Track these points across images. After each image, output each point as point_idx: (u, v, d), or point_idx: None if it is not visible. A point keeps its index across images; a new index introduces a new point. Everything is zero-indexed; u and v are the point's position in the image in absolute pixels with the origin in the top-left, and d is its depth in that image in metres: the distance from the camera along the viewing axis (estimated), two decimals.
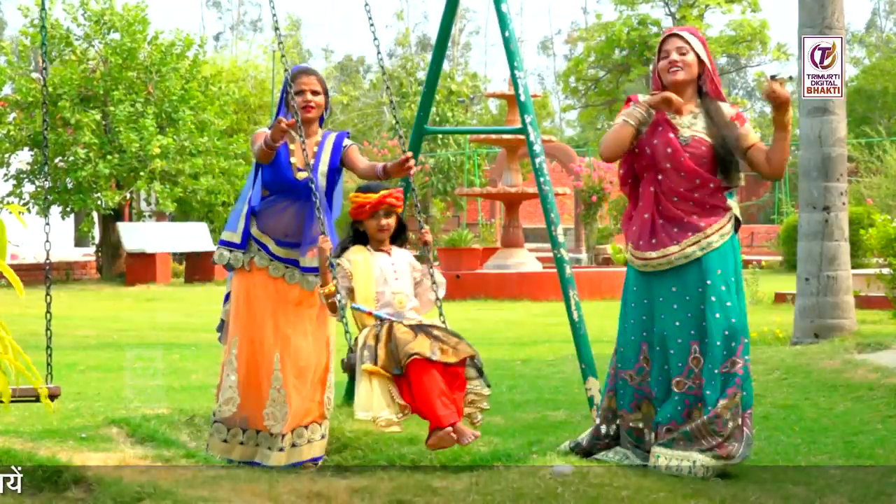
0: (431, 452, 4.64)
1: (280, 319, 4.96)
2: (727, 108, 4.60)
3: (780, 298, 13.68)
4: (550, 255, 5.88)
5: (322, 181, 4.99)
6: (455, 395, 4.42)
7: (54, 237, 5.37)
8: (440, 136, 28.50)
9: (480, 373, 4.54)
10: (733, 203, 4.65)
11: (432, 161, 27.46)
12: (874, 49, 53.79)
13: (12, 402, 4.46)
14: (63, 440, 5.13)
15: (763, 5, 38.39)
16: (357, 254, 4.76)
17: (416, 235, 5.11)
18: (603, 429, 4.70)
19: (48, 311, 5.15)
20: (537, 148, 5.64)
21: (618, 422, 4.67)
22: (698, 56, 4.55)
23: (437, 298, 4.84)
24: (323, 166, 5.03)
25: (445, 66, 24.99)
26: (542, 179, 5.63)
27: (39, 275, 6.19)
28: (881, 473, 4.38)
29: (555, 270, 5.71)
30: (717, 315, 4.43)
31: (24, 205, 19.90)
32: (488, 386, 4.56)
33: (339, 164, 5.06)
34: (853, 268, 9.55)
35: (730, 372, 4.40)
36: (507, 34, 5.81)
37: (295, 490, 4.08)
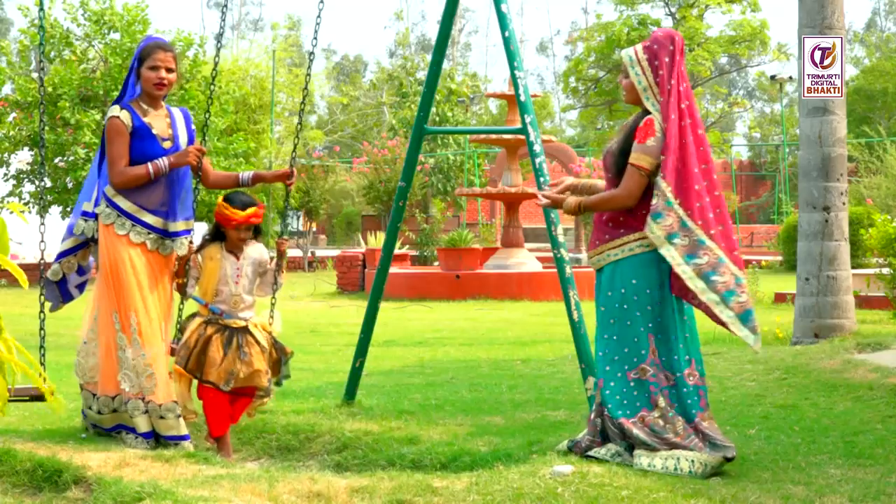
0: (431, 452, 4.87)
1: (160, 291, 5.25)
2: (641, 122, 4.62)
3: (780, 298, 13.68)
4: (550, 255, 5.88)
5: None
6: (236, 411, 5.33)
7: (54, 237, 5.41)
8: (440, 136, 28.49)
9: (284, 378, 5.48)
10: (652, 225, 4.53)
11: (432, 161, 27.45)
12: (874, 49, 53.80)
13: (11, 401, 4.46)
14: (63, 440, 5.13)
15: (763, 5, 38.43)
16: (211, 252, 5.31)
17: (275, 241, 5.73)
18: (599, 422, 4.71)
19: (41, 311, 5.24)
20: (537, 148, 5.64)
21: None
22: (635, 81, 4.63)
23: (273, 296, 5.47)
24: (183, 137, 5.34)
25: (445, 66, 25.00)
26: (542, 179, 5.63)
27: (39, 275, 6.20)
28: (881, 473, 4.37)
29: (555, 270, 5.71)
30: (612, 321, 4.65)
31: (25, 204, 19.90)
32: (278, 384, 5.50)
33: (193, 136, 5.39)
34: (853, 268, 9.56)
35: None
36: (506, 34, 5.81)
37: (295, 490, 4.08)
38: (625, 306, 4.61)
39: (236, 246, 5.34)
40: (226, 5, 5.94)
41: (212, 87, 5.93)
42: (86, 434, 5.31)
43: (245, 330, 5.27)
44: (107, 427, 5.23)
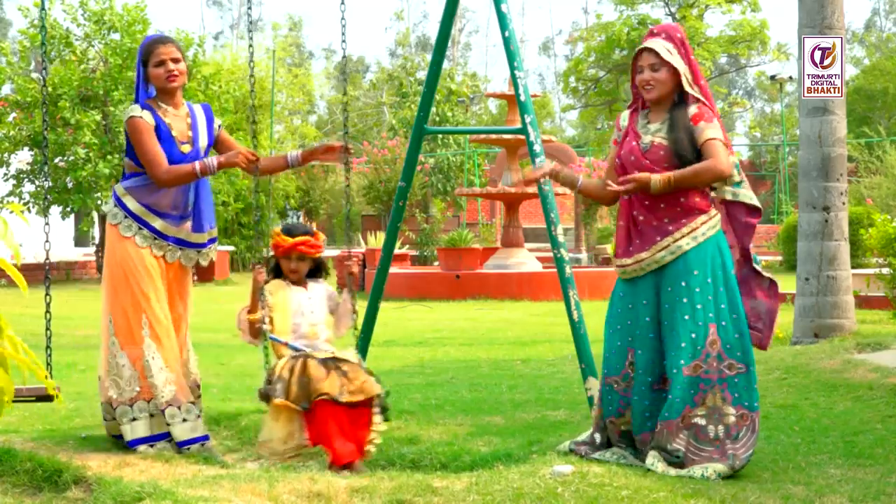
0: (431, 452, 4.89)
1: (170, 295, 5.10)
2: (692, 109, 4.56)
3: (780, 298, 13.67)
4: (550, 255, 5.89)
5: (202, 155, 5.12)
6: (359, 433, 4.77)
7: (54, 237, 5.37)
8: (440, 136, 28.49)
9: (384, 409, 4.87)
10: (741, 192, 4.62)
11: (432, 161, 27.45)
12: (874, 49, 53.80)
13: (17, 401, 4.46)
14: (63, 440, 5.13)
15: (763, 5, 38.42)
16: (277, 287, 4.99)
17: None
18: (597, 437, 4.70)
19: (48, 311, 5.16)
20: (537, 148, 5.64)
21: (609, 429, 4.68)
22: (673, 67, 4.55)
23: (355, 327, 5.13)
24: (203, 140, 5.12)
25: (445, 66, 25.01)
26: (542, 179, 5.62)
27: (40, 275, 6.19)
28: (881, 473, 4.37)
29: (555, 270, 5.71)
30: (686, 317, 4.46)
31: (25, 205, 19.91)
32: (387, 420, 4.91)
33: (214, 138, 5.18)
34: (853, 268, 9.56)
35: (693, 376, 4.43)
36: (507, 34, 5.81)
37: (295, 490, 4.08)
38: (692, 294, 4.46)
39: (291, 280, 5.03)
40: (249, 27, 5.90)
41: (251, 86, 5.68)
42: (85, 434, 5.30)
43: (335, 358, 4.88)
44: (115, 434, 5.09)
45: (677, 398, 4.42)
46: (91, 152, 19.51)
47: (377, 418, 4.82)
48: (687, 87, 4.56)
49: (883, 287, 10.66)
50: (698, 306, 4.46)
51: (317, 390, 4.66)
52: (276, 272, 5.07)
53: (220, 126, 5.25)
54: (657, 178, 4.46)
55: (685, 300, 4.47)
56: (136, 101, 5.08)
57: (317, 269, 5.13)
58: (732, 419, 4.43)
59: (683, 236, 4.51)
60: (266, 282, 4.98)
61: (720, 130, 4.52)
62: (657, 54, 4.55)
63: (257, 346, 5.02)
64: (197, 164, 4.95)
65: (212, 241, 5.19)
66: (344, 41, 5.43)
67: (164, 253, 5.05)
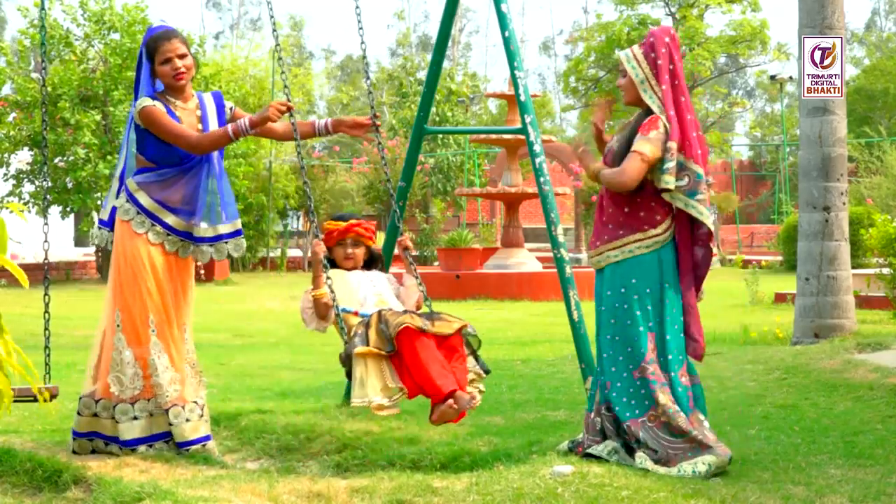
0: (431, 452, 4.81)
1: (180, 293, 5.03)
2: (650, 118, 4.64)
3: (780, 298, 13.69)
4: (550, 255, 5.89)
5: None
6: (454, 366, 4.40)
7: (54, 237, 5.35)
8: (440, 136, 28.49)
9: (476, 357, 4.57)
10: (692, 202, 4.61)
11: (432, 161, 27.45)
12: (874, 49, 53.80)
13: (17, 401, 4.46)
14: (63, 440, 5.13)
15: (763, 5, 38.38)
16: (336, 274, 4.83)
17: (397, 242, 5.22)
18: (598, 421, 4.71)
19: (46, 311, 5.15)
20: (537, 148, 5.64)
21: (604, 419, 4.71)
22: (632, 75, 4.66)
23: (425, 297, 4.87)
24: (213, 125, 5.03)
25: (445, 66, 24.98)
26: (542, 179, 5.63)
27: (39, 275, 6.20)
28: (881, 474, 4.37)
29: (555, 270, 5.71)
30: (628, 322, 4.61)
31: (25, 204, 19.90)
32: (486, 371, 4.59)
33: (226, 122, 5.06)
34: (853, 268, 9.56)
35: (643, 377, 4.57)
36: (507, 34, 5.81)
37: (295, 490, 4.08)
38: (625, 306, 4.63)
39: (345, 268, 4.92)
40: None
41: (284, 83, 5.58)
42: None
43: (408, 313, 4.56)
44: (81, 431, 4.97)
45: (639, 398, 4.55)
46: (91, 152, 19.50)
47: (474, 362, 4.53)
48: (642, 94, 4.65)
49: (883, 287, 10.67)
50: (637, 313, 4.60)
51: (398, 324, 4.32)
52: (331, 264, 4.88)
53: (231, 108, 5.15)
54: (592, 168, 4.75)
55: (625, 305, 4.62)
56: (143, 93, 4.97)
57: (372, 261, 5.01)
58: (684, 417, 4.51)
59: (635, 241, 4.63)
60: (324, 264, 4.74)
61: (649, 143, 4.56)
62: (622, 61, 4.71)
63: (325, 329, 4.80)
64: (229, 127, 4.85)
65: (237, 233, 5.06)
66: (359, 26, 5.38)
67: (176, 249, 5.00)
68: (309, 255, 4.84)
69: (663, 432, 4.50)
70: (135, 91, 5.06)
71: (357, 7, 5.38)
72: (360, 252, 4.95)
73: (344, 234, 4.90)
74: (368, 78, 5.56)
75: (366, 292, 4.79)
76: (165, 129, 4.86)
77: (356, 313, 4.68)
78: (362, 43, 5.29)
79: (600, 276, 4.76)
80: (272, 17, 5.19)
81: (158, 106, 4.89)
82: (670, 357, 4.60)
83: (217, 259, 5.09)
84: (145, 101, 4.90)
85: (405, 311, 4.58)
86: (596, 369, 4.86)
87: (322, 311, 4.73)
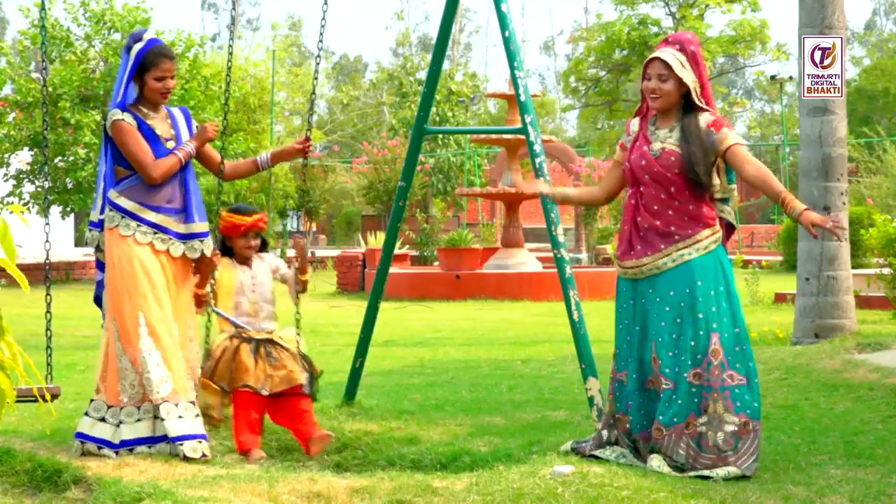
0: (431, 452, 4.89)
1: (173, 292, 5.12)
2: (706, 117, 4.62)
3: (780, 298, 13.69)
4: (550, 255, 5.89)
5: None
6: (291, 420, 5.18)
7: (54, 237, 5.37)
8: (440, 136, 28.49)
9: (312, 393, 5.24)
10: (727, 209, 4.69)
11: (432, 161, 27.44)
12: (874, 49, 53.80)
13: (18, 401, 4.45)
14: (63, 440, 5.13)
15: (763, 5, 38.34)
16: (224, 267, 5.28)
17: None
18: (605, 434, 4.71)
19: (48, 311, 5.16)
20: (537, 148, 5.64)
21: (617, 424, 4.69)
22: (680, 78, 4.58)
23: (297, 310, 5.50)
24: (185, 137, 5.25)
25: (445, 66, 24.97)
26: (542, 179, 5.62)
27: (40, 275, 6.19)
28: (881, 474, 4.37)
29: (555, 270, 5.71)
30: (688, 325, 4.50)
31: (25, 205, 19.89)
32: (315, 400, 5.30)
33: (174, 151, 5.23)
34: (853, 268, 9.55)
35: (696, 383, 4.46)
36: (507, 34, 5.81)
37: (295, 490, 4.08)
38: (695, 302, 4.52)
39: (246, 256, 5.32)
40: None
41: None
42: None
43: (270, 341, 5.22)
44: (84, 433, 4.97)
45: (682, 405, 4.45)
46: (91, 152, 19.48)
47: (305, 404, 5.17)
48: (695, 99, 4.62)
49: (883, 287, 10.67)
50: (699, 315, 4.49)
51: (239, 380, 5.05)
52: (224, 251, 5.31)
53: (198, 126, 5.36)
54: (795, 205, 4.63)
55: (687, 307, 4.51)
56: (116, 103, 5.10)
57: (262, 244, 5.43)
58: (733, 427, 4.44)
59: (687, 246, 4.56)
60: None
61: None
62: (668, 66, 4.58)
63: (200, 315, 5.32)
64: (177, 152, 5.11)
65: (203, 234, 5.19)
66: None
67: (167, 247, 5.06)
68: (308, 255, 5.16)
69: (694, 443, 4.43)
70: (114, 91, 5.18)
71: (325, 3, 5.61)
72: (257, 241, 5.36)
73: (250, 228, 5.28)
74: (317, 78, 5.86)
75: (241, 298, 5.25)
76: (130, 149, 5.06)
77: (227, 319, 5.21)
78: (320, 42, 5.59)
79: (654, 279, 4.59)
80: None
81: (128, 120, 5.07)
82: (730, 357, 4.49)
83: (190, 256, 5.15)
84: (115, 115, 5.07)
85: (264, 344, 5.18)
86: (613, 368, 4.74)
87: (198, 304, 5.25)
